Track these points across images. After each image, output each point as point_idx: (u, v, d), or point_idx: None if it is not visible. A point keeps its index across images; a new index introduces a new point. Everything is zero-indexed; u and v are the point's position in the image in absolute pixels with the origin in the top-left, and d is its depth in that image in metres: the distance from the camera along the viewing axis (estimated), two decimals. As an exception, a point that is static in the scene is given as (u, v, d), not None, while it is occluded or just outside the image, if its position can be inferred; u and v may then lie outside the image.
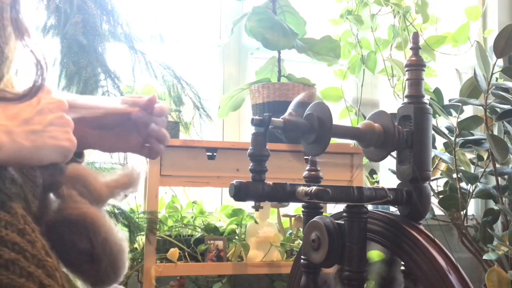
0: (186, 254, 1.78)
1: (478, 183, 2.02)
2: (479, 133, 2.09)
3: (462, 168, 2.04)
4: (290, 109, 0.87)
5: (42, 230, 0.62)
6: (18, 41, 0.64)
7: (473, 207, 2.61)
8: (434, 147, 2.10)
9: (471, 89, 1.99)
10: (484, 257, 1.95)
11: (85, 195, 0.66)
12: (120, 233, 0.68)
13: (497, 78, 2.12)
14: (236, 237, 1.90)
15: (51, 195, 0.65)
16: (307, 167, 1.07)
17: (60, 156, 0.63)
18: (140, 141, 0.83)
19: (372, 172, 2.33)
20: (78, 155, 0.82)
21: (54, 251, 0.62)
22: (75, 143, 0.65)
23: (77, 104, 0.74)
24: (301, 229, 1.84)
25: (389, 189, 0.90)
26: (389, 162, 2.19)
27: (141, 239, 1.76)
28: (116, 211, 1.57)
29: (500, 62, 1.99)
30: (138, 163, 0.76)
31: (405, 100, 0.93)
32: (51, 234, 0.63)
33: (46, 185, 0.65)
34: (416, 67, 0.92)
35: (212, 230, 1.91)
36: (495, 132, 1.98)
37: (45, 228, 0.63)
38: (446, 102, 2.09)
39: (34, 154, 0.60)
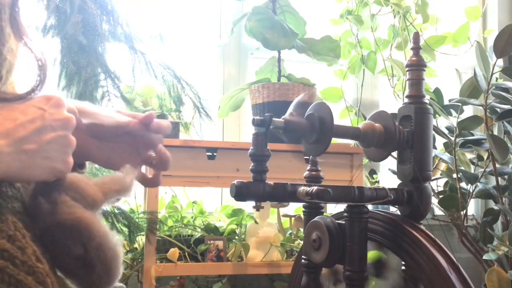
0: (186, 254, 1.78)
1: (478, 183, 2.02)
2: (479, 133, 2.09)
3: (462, 168, 2.04)
4: (290, 109, 0.87)
5: (35, 234, 0.61)
6: (18, 42, 0.63)
7: (473, 207, 2.61)
8: (434, 147, 2.10)
9: (471, 89, 1.99)
10: (484, 257, 1.95)
11: (78, 201, 0.65)
12: (115, 238, 0.67)
13: (497, 78, 2.12)
14: (236, 237, 1.90)
15: (42, 200, 0.64)
16: (308, 167, 1.07)
17: (51, 176, 0.62)
18: (138, 162, 0.80)
19: (372, 172, 2.33)
20: (80, 166, 0.81)
21: (47, 255, 0.61)
22: (70, 165, 0.63)
23: (87, 111, 0.72)
24: (301, 229, 1.84)
25: (389, 189, 0.90)
26: (389, 162, 2.19)
27: (141, 239, 1.76)
28: (116, 211, 1.57)
29: (500, 62, 1.99)
30: (131, 167, 0.75)
31: (406, 100, 0.93)
32: (44, 238, 0.62)
33: (37, 189, 0.64)
34: (416, 67, 0.92)
35: (212, 230, 1.90)
36: (495, 132, 1.97)
37: (39, 232, 0.62)
38: (446, 102, 2.09)
39: (21, 173, 0.59)
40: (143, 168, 0.85)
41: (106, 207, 1.46)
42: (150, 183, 0.82)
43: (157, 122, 0.79)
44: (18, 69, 0.66)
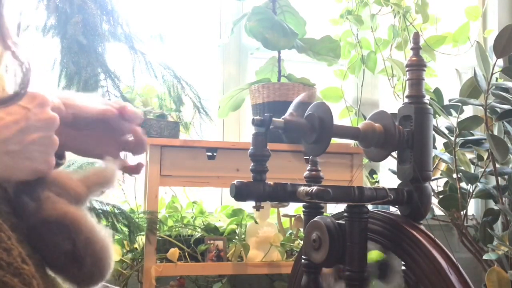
0: (186, 254, 1.78)
1: (478, 183, 2.02)
2: (479, 133, 2.09)
3: (462, 168, 2.04)
4: (290, 109, 0.87)
5: (23, 234, 0.61)
6: (1, 44, 0.62)
7: (473, 207, 2.61)
8: (434, 147, 2.10)
9: (471, 89, 1.99)
10: (484, 257, 1.95)
11: (62, 196, 0.65)
12: (104, 230, 0.67)
13: (497, 78, 2.12)
14: (236, 237, 1.90)
15: (26, 198, 0.64)
16: (308, 167, 1.07)
17: (32, 176, 0.62)
18: (116, 148, 0.79)
19: (372, 172, 2.33)
20: (58, 157, 0.80)
21: (37, 255, 0.61)
22: (52, 165, 0.63)
23: (70, 103, 0.71)
24: (301, 229, 1.84)
25: (389, 189, 0.90)
26: (389, 162, 2.19)
27: (141, 239, 1.76)
28: (116, 211, 1.57)
29: (500, 62, 1.99)
30: (113, 159, 0.75)
31: (406, 100, 0.93)
32: (31, 236, 0.62)
33: (19, 187, 0.64)
34: (416, 67, 0.92)
35: (212, 230, 1.91)
36: (495, 132, 1.97)
37: (26, 231, 0.62)
38: (446, 102, 2.09)
39: (1, 174, 0.59)
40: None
41: (105, 206, 1.45)
42: (130, 170, 0.82)
43: (132, 111, 0.78)
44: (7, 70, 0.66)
